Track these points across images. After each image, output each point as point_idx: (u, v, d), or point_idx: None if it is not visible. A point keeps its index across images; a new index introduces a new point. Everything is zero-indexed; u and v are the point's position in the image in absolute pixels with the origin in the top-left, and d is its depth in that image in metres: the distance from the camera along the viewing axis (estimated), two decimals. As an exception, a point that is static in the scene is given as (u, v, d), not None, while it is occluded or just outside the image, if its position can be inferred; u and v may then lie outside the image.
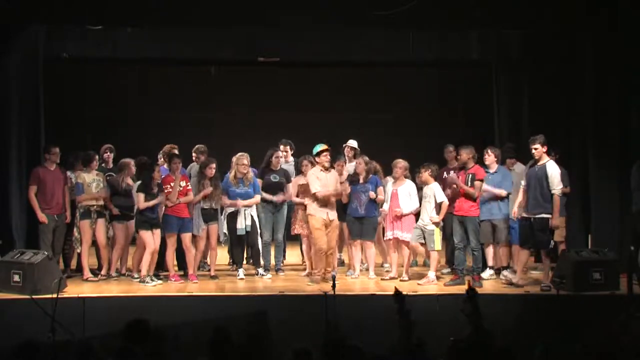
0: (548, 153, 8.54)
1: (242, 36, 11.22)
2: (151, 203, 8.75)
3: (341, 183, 9.31)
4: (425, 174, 8.98)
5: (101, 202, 9.09)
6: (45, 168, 9.10)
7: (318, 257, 8.92)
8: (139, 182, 8.95)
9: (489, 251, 9.19)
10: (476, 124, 12.56)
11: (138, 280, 8.83)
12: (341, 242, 9.84)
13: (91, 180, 9.08)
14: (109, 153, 9.79)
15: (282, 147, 10.10)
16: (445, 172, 9.56)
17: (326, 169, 8.98)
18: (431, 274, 8.86)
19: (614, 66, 9.46)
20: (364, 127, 12.11)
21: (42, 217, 8.94)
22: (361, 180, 9.28)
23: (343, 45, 11.44)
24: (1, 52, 9.50)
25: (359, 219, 9.26)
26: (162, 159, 9.63)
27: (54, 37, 10.81)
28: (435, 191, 8.90)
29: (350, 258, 9.71)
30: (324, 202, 8.91)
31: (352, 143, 10.09)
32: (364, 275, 9.38)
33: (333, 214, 9.01)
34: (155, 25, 10.33)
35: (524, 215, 8.53)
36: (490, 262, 9.21)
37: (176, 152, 9.54)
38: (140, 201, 8.75)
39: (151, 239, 8.75)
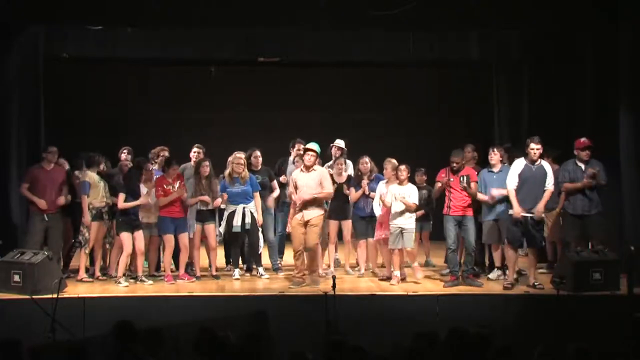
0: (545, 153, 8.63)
1: (242, 36, 11.24)
2: (128, 204, 8.64)
3: (341, 183, 9.30)
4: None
5: (109, 202, 9.04)
6: (42, 167, 9.07)
7: (294, 257, 8.74)
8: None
9: (496, 251, 9.18)
10: (476, 124, 12.58)
11: (114, 280, 8.81)
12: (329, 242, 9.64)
13: (99, 179, 9.03)
14: (126, 154, 9.64)
15: (297, 145, 9.87)
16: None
17: (307, 169, 8.75)
18: (397, 273, 8.76)
19: (614, 66, 9.46)
20: (363, 127, 12.13)
21: (41, 202, 8.85)
22: (367, 180, 9.23)
23: (343, 45, 11.46)
24: (1, 52, 9.49)
25: (365, 218, 9.24)
26: (156, 163, 9.48)
27: (54, 37, 10.84)
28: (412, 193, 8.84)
29: (347, 258, 9.70)
30: (300, 203, 8.67)
31: (339, 143, 10.01)
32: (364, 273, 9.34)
33: (310, 214, 8.64)
34: (155, 25, 10.32)
35: (519, 214, 8.51)
36: (497, 263, 9.20)
37: (167, 154, 9.50)
38: (119, 201, 8.69)
39: (130, 241, 8.67)
